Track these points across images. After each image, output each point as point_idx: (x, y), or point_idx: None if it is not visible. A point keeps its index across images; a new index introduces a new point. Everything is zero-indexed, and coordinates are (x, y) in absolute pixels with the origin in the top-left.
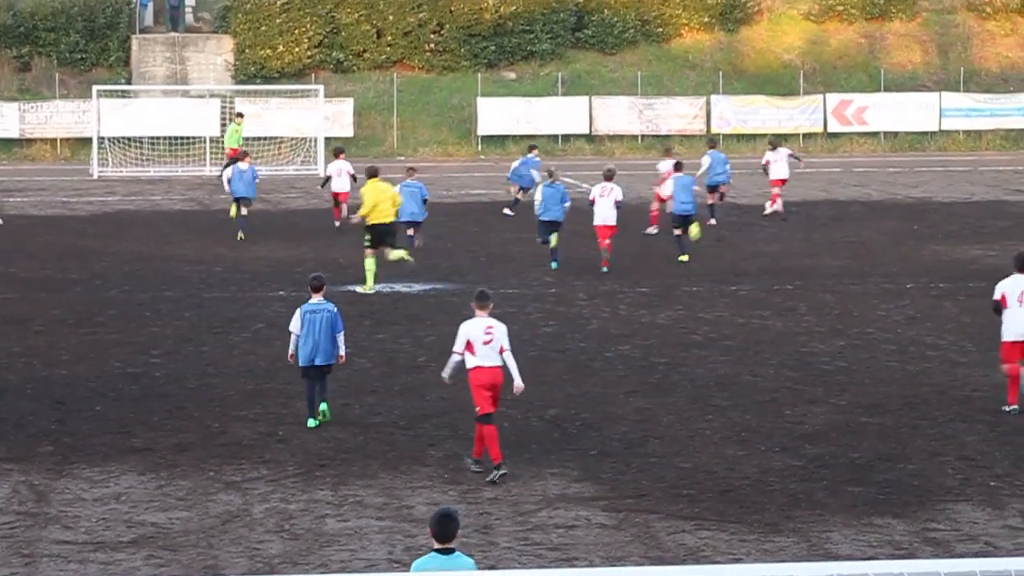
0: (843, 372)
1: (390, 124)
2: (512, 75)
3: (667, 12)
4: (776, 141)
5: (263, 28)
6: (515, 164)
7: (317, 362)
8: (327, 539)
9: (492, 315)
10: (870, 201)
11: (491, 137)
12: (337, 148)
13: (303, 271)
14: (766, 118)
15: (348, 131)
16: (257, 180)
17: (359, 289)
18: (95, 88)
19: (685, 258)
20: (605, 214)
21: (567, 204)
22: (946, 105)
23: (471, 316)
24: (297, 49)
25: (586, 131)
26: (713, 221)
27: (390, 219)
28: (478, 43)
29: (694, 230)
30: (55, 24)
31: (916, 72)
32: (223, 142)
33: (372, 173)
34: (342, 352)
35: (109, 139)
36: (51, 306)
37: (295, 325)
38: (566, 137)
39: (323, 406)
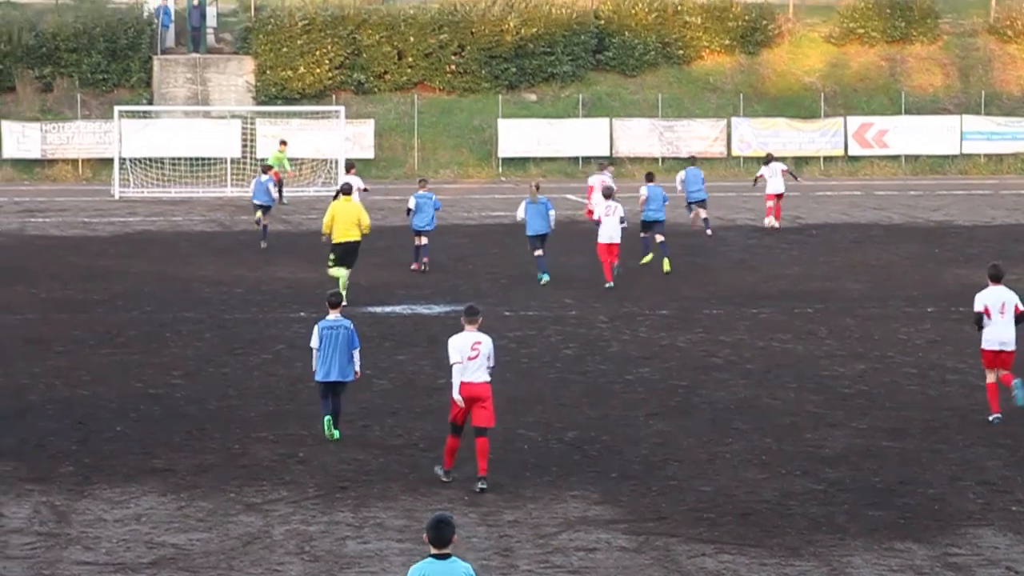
0: (864, 396)
1: (411, 145)
2: (533, 97)
3: (688, 34)
4: (770, 156)
5: (284, 49)
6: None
7: (333, 378)
8: (347, 561)
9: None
10: (891, 224)
11: (512, 159)
12: (348, 163)
13: (323, 292)
14: (787, 140)
15: (369, 152)
16: (272, 188)
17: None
18: (117, 109)
19: (647, 259)
20: (611, 232)
21: (552, 214)
22: (967, 128)
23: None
24: (318, 70)
25: (607, 153)
26: (709, 231)
27: (354, 237)
28: (499, 65)
29: (666, 265)
30: (77, 45)
31: (937, 95)
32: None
33: (345, 191)
34: (357, 368)
35: (130, 160)
36: (72, 327)
37: (314, 341)
38: (587, 159)
39: (336, 434)
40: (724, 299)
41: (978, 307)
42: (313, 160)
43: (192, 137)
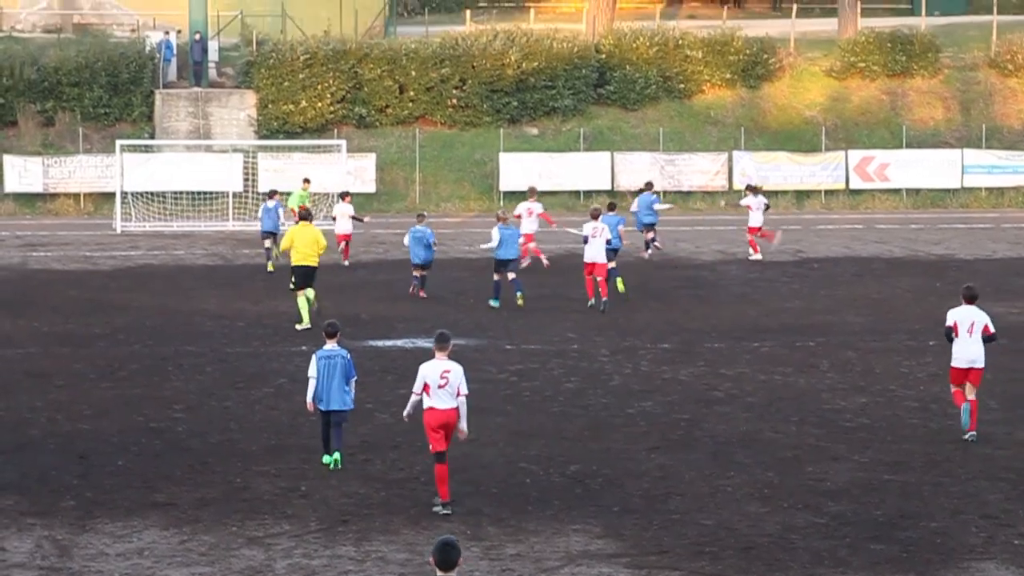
0: (865, 429)
1: (412, 179)
2: (534, 131)
3: (689, 68)
4: (755, 187)
5: (286, 83)
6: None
7: (332, 407)
8: None
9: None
10: (892, 258)
11: (513, 193)
12: (343, 191)
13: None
14: (788, 174)
15: (371, 186)
16: (281, 213)
17: (298, 327)
18: (118, 143)
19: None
20: (595, 253)
21: (520, 240)
22: (968, 162)
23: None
24: (320, 104)
25: (608, 187)
26: (655, 247)
27: (312, 262)
28: (500, 99)
29: (619, 285)
30: (79, 79)
31: (938, 129)
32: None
33: (304, 216)
34: (351, 399)
35: (132, 194)
36: (74, 360)
37: (312, 370)
38: (588, 193)
39: (336, 456)
40: (725, 333)
41: (948, 322)
42: (315, 194)
43: (194, 171)
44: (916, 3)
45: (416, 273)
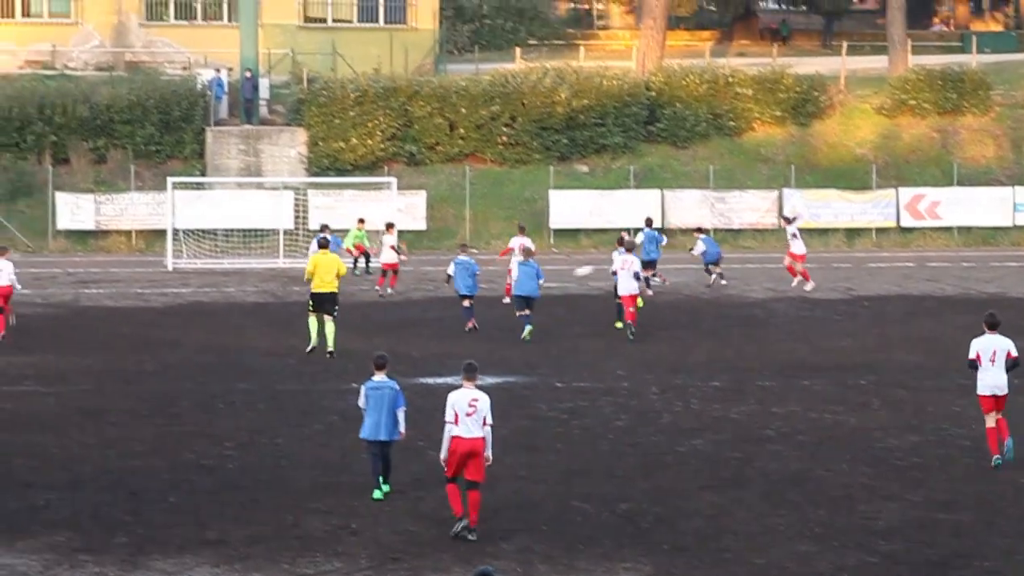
0: (918, 468)
1: (462, 216)
2: (584, 168)
3: (739, 106)
4: (792, 216)
5: (337, 121)
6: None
7: (380, 438)
8: None
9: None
10: (944, 296)
11: (563, 230)
12: (388, 223)
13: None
14: (838, 212)
15: (421, 223)
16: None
17: (307, 349)
18: (170, 180)
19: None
20: (627, 284)
21: (541, 280)
22: (1020, 200)
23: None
24: (370, 142)
25: (659, 224)
26: (650, 292)
27: (331, 288)
28: (550, 136)
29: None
30: (131, 117)
31: (990, 166)
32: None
33: (322, 244)
34: (402, 429)
35: (184, 231)
36: (125, 397)
37: (362, 401)
38: (639, 230)
39: (385, 487)
40: (776, 371)
41: (971, 354)
42: (365, 231)
43: (244, 208)
44: (967, 41)
45: (466, 303)
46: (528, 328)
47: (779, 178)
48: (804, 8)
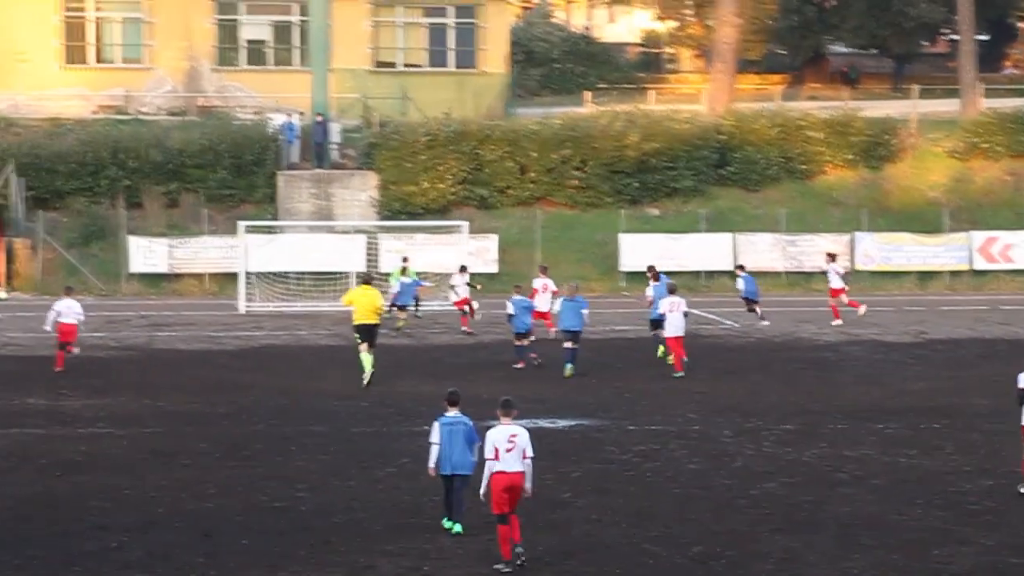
0: (992, 512)
1: (534, 260)
2: (655, 211)
3: (810, 149)
4: (834, 254)
5: (407, 165)
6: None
7: (456, 472)
8: None
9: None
10: (1017, 339)
11: (634, 273)
12: (462, 265)
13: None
14: (911, 255)
15: (493, 267)
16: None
17: (364, 379)
18: (242, 224)
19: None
20: (677, 325)
21: (585, 312)
22: None
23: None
24: (441, 185)
25: (730, 268)
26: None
27: (373, 320)
28: (621, 180)
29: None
30: (203, 161)
31: None
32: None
33: (365, 280)
34: (474, 457)
35: (256, 274)
36: (199, 439)
37: (435, 436)
38: (710, 274)
39: (457, 527)
40: (849, 413)
41: (1021, 384)
42: (436, 275)
43: (316, 251)
44: None
45: (524, 343)
46: (569, 367)
47: (851, 221)
48: (875, 52)
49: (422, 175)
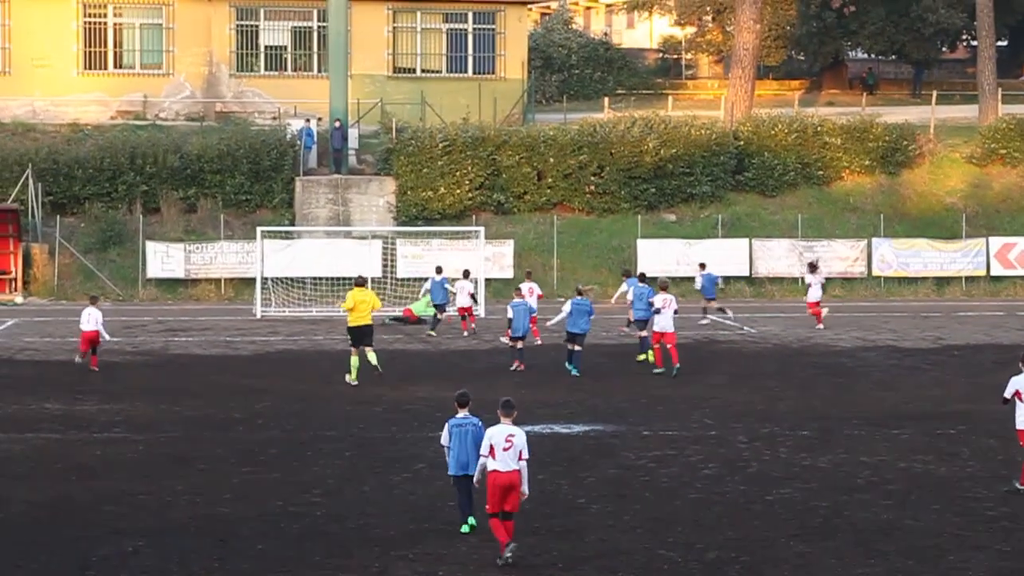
0: (1008, 518)
1: (550, 265)
2: (672, 217)
3: (828, 155)
4: (816, 264)
5: (425, 170)
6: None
7: (465, 472)
8: None
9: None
10: None
11: (651, 279)
12: (465, 270)
13: None
14: (928, 261)
15: (509, 272)
16: (447, 288)
17: (347, 378)
18: (259, 229)
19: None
20: (665, 323)
21: (592, 316)
22: None
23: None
24: (458, 191)
25: (746, 273)
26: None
27: (366, 321)
28: (638, 185)
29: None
30: (221, 167)
31: None
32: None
33: (359, 283)
34: None
35: (272, 279)
36: (214, 444)
37: (445, 439)
38: (726, 279)
39: (472, 521)
40: (865, 420)
41: (1007, 393)
42: (453, 280)
43: (333, 257)
44: None
45: (518, 345)
46: (575, 372)
47: (868, 227)
48: (894, 58)
49: (439, 180)
